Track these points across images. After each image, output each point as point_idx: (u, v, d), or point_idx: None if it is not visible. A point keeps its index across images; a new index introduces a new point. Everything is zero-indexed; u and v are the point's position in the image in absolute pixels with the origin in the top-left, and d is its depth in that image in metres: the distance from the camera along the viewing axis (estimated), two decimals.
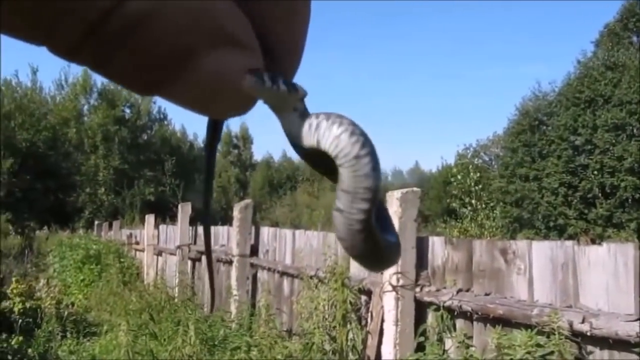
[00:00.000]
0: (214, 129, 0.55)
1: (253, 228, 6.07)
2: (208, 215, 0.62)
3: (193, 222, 8.33)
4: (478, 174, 13.54)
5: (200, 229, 8.02)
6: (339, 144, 0.41)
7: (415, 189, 3.51)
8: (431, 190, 30.45)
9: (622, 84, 20.43)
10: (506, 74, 62.46)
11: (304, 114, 0.46)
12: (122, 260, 10.80)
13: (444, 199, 25.85)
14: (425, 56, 67.53)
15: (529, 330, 2.64)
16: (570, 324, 2.49)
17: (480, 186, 13.09)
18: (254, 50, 0.38)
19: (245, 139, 43.26)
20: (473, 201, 13.06)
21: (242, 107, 0.43)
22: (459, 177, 13.95)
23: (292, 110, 0.45)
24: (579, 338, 2.51)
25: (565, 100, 21.81)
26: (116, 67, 0.33)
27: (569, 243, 2.76)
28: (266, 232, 5.92)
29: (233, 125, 45.00)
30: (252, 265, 5.91)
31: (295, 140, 0.48)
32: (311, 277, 4.39)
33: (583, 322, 2.45)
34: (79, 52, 0.32)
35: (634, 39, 26.90)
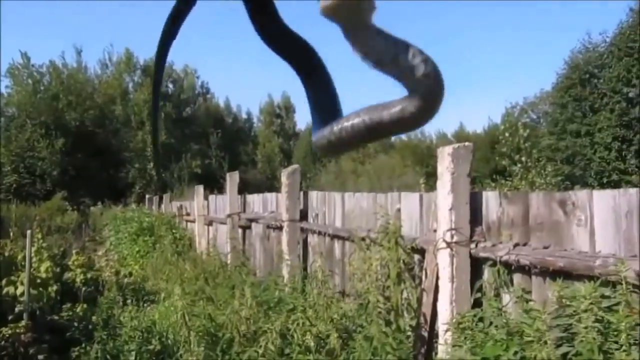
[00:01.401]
0: (174, 24, 0.53)
1: (301, 193, 6.09)
2: (157, 112, 0.62)
3: (241, 191, 8.43)
4: (527, 131, 13.15)
5: (250, 198, 8.12)
6: (420, 68, 0.45)
7: (467, 143, 3.43)
8: (478, 151, 29.87)
9: None
10: (552, 27, 60.03)
11: (382, 33, 0.45)
12: (174, 231, 11.09)
13: (492, 159, 25.34)
14: (465, 14, 65.50)
15: (592, 281, 2.57)
16: (637, 274, 2.40)
17: (529, 143, 12.74)
18: None
19: (288, 108, 43.30)
20: (523, 158, 12.73)
21: None
22: (507, 135, 13.58)
23: (367, 26, 0.45)
24: None
25: (618, 50, 20.84)
26: None
27: (633, 191, 2.64)
28: (315, 196, 5.93)
29: (275, 94, 45.01)
30: (302, 229, 5.95)
31: (368, 61, 0.46)
32: (363, 239, 4.38)
33: None
34: None
35: None
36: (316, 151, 0.53)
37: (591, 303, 2.46)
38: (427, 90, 0.45)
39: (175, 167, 30.88)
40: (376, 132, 0.50)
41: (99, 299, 6.03)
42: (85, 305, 5.68)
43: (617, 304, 2.43)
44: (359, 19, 0.44)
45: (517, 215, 3.22)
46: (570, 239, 2.89)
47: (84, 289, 6.28)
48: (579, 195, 2.88)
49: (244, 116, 43.57)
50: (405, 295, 3.95)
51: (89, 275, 6.72)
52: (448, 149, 3.36)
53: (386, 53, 0.45)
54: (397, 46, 0.45)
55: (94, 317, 5.38)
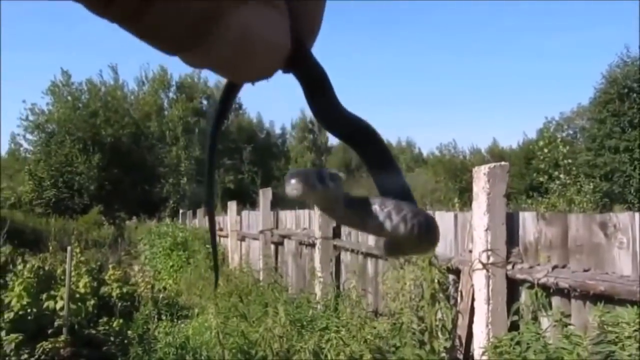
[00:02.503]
0: (225, 105, 0.54)
1: None
2: (211, 196, 0.62)
3: (274, 206, 8.47)
4: (567, 147, 12.90)
5: (282, 214, 8.16)
6: (397, 233, 0.45)
7: (503, 163, 3.39)
8: (512, 167, 29.41)
9: None
10: (588, 41, 59.09)
11: (350, 204, 0.46)
12: (207, 246, 11.19)
13: (527, 175, 24.94)
14: (503, 28, 65.02)
15: (635, 307, 2.50)
16: None
17: (569, 160, 12.46)
18: (280, 8, 0.38)
19: None
20: (562, 175, 12.48)
21: (271, 66, 0.42)
22: (546, 150, 13.33)
23: (338, 203, 0.46)
24: None
25: None
26: (147, 23, 0.33)
27: None
28: None
29: (307, 110, 45.29)
30: (335, 247, 5.94)
31: (357, 230, 0.50)
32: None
33: None
34: (110, 7, 0.32)
35: None
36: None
37: (635, 330, 2.39)
38: (402, 234, 0.45)
39: None
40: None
41: (135, 314, 6.11)
42: (121, 320, 5.77)
43: None
44: (330, 200, 0.45)
45: (555, 236, 3.16)
46: (612, 262, 2.82)
47: (120, 303, 6.38)
48: (621, 217, 2.81)
49: (277, 131, 43.94)
50: (439, 316, 3.90)
51: (124, 290, 6.83)
52: (484, 169, 3.33)
53: (367, 225, 0.46)
54: (363, 211, 0.46)
55: (129, 332, 5.45)
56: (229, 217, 11.04)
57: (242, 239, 10.29)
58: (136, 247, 16.26)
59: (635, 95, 21.02)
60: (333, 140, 45.66)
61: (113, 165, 28.66)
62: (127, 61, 63.49)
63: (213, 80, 36.75)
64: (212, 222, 0.61)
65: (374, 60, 67.31)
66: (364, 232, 0.50)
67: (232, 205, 10.99)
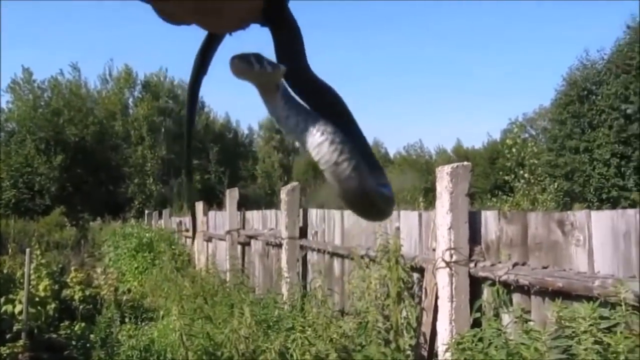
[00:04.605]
0: (204, 59, 0.55)
1: (301, 210, 6.09)
2: (189, 152, 0.63)
3: (240, 207, 8.43)
4: (534, 147, 13.16)
5: (249, 214, 8.12)
6: (320, 151, 0.46)
7: (465, 163, 3.44)
8: (477, 167, 29.92)
9: None
10: (550, 44, 60.43)
11: (288, 98, 0.49)
12: (173, 247, 11.08)
13: (491, 174, 25.39)
14: (465, 30, 66.02)
15: (591, 302, 2.57)
16: (636, 295, 2.40)
17: (534, 160, 12.72)
18: None
19: None
20: (526, 175, 12.73)
21: (248, 14, 0.43)
22: (514, 150, 13.57)
23: (275, 89, 0.48)
24: None
25: (615, 67, 20.98)
26: None
27: (631, 212, 2.65)
28: (314, 213, 5.94)
29: None
30: (301, 247, 5.95)
31: (281, 128, 0.50)
32: (362, 257, 4.38)
33: None
34: None
35: None
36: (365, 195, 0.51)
37: (590, 324, 2.46)
38: (326, 161, 0.46)
39: (175, 183, 30.88)
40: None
41: (97, 317, 6.00)
42: (83, 324, 5.66)
43: (616, 325, 2.43)
44: (267, 82, 0.47)
45: (516, 234, 3.23)
46: (569, 259, 2.90)
47: (82, 306, 6.26)
48: (578, 215, 2.89)
49: (244, 132, 43.70)
50: (404, 314, 3.94)
51: (87, 293, 6.70)
52: (447, 169, 3.38)
53: (297, 127, 0.48)
54: (306, 121, 0.47)
55: (92, 336, 5.35)
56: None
57: (209, 239, 10.20)
58: (100, 248, 15.96)
59: (594, 97, 21.62)
60: None
61: (76, 165, 28.08)
62: (92, 58, 62.26)
63: (178, 78, 36.38)
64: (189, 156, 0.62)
65: (340, 59, 67.47)
66: (289, 133, 0.50)
67: (199, 206, 10.88)
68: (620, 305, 2.39)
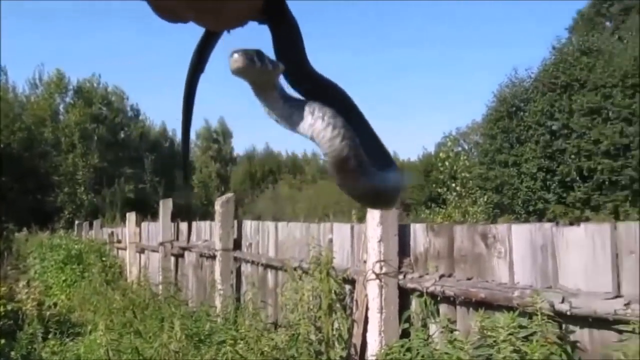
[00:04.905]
0: (201, 56, 0.54)
1: (235, 222, 6.05)
2: (187, 146, 0.63)
3: (174, 218, 8.28)
4: (466, 161, 13.59)
5: (183, 225, 7.98)
6: (324, 137, 0.45)
7: None
8: (412, 179, 30.58)
9: (597, 68, 20.71)
10: (484, 62, 62.83)
11: (285, 96, 0.48)
12: (104, 259, 10.72)
13: (426, 187, 26.01)
14: (400, 46, 67.66)
15: (511, 312, 2.68)
16: (551, 305, 2.53)
17: (465, 173, 13.15)
18: None
19: (225, 133, 43.03)
20: (458, 188, 13.12)
21: (246, 11, 0.43)
22: (447, 163, 13.97)
23: (273, 88, 0.47)
24: (560, 318, 2.55)
25: (542, 86, 22.03)
26: None
27: (548, 225, 2.79)
28: (249, 225, 5.91)
29: (212, 120, 44.66)
30: (235, 259, 5.90)
31: (281, 122, 0.49)
32: (295, 269, 4.40)
33: (563, 302, 2.49)
34: None
35: (607, 24, 27.27)
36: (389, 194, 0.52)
37: (509, 333, 2.57)
38: (331, 147, 0.45)
39: (107, 192, 29.93)
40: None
41: (19, 333, 5.72)
42: (3, 341, 5.38)
43: (533, 334, 2.55)
44: (266, 80, 0.46)
45: (442, 247, 3.33)
46: (492, 270, 3.01)
47: (2, 322, 5.95)
48: (499, 228, 3.01)
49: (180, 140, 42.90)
50: (336, 325, 3.98)
51: (9, 307, 6.38)
52: None
53: (293, 117, 0.47)
54: (301, 110, 0.46)
55: (12, 353, 5.09)
56: (128, 228, 10.64)
57: (142, 251, 9.95)
58: (25, 260, 15.21)
59: (522, 113, 22.58)
60: (238, 150, 45.37)
61: (1, 172, 26.72)
62: (19, 62, 59.67)
63: (112, 85, 35.40)
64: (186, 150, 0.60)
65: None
66: (291, 128, 0.48)
67: (131, 216, 10.60)
68: (537, 315, 2.50)
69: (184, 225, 7.97)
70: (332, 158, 0.46)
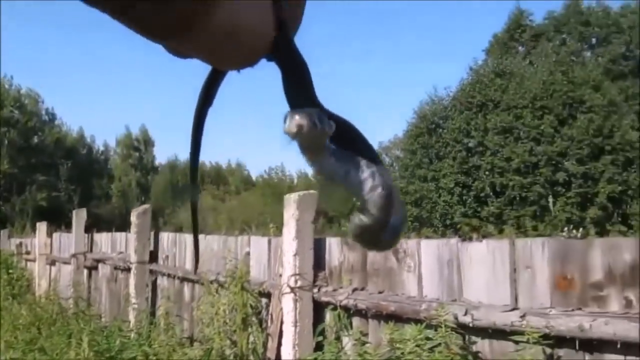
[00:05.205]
0: (209, 91, 0.54)
1: (152, 234, 5.91)
2: (195, 185, 0.62)
3: (89, 229, 7.96)
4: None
5: (98, 236, 7.70)
6: (377, 202, 0.48)
7: (312, 191, 3.59)
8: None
9: (509, 89, 21.88)
10: (406, 79, 64.77)
11: (335, 153, 0.49)
12: (10, 271, 10.13)
13: (350, 199, 26.37)
14: (326, 60, 68.63)
15: (419, 324, 2.78)
16: (455, 317, 2.65)
17: None
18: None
19: (147, 141, 41.86)
20: None
21: (255, 54, 0.43)
22: None
23: (324, 148, 0.48)
24: (463, 330, 2.68)
25: (459, 104, 23.01)
26: (137, 13, 0.34)
27: (454, 241, 2.93)
28: (166, 237, 5.79)
29: (133, 127, 43.42)
30: (151, 271, 5.76)
31: (333, 180, 0.51)
32: (211, 282, 4.35)
33: (466, 314, 2.62)
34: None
35: (520, 48, 28.88)
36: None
37: (416, 345, 2.67)
38: (377, 201, 0.47)
39: (17, 200, 28.33)
40: (364, 238, 0.53)
41: None
42: None
43: (438, 345, 2.66)
44: (321, 142, 0.47)
45: (356, 260, 3.41)
46: (402, 284, 3.12)
47: None
48: (409, 243, 3.13)
49: (100, 147, 41.36)
50: (252, 339, 3.97)
51: None
52: (294, 196, 3.49)
53: (338, 171, 0.48)
54: (347, 164, 0.48)
55: None
56: (38, 239, 10.11)
57: (52, 263, 9.48)
58: None
59: (441, 130, 23.47)
60: (161, 159, 44.25)
61: None
62: None
63: (26, 87, 33.69)
64: (195, 214, 0.61)
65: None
66: (342, 184, 0.49)
67: (42, 226, 10.08)
68: (441, 327, 2.62)
69: (98, 236, 7.69)
70: (376, 222, 0.49)
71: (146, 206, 6.05)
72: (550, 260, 2.50)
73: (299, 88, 0.49)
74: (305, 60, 0.49)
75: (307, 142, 0.46)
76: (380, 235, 0.51)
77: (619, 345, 2.18)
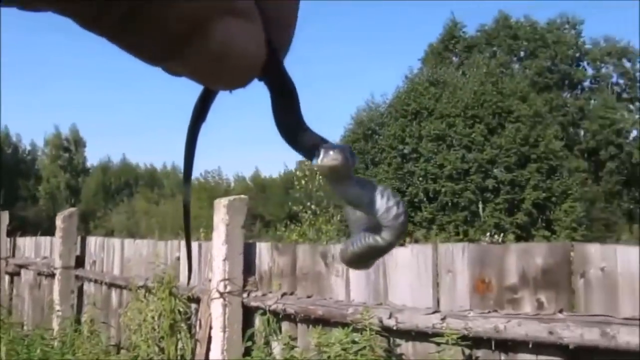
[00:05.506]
0: (203, 107, 0.55)
1: (79, 238, 5.72)
2: (188, 193, 0.62)
3: (12, 233, 7.61)
4: (322, 180, 13.94)
5: (21, 241, 7.37)
6: (399, 230, 0.52)
7: (242, 196, 3.58)
8: (274, 196, 30.92)
9: (443, 98, 22.57)
10: (344, 85, 65.50)
11: (359, 182, 0.53)
12: None
13: (285, 204, 26.40)
14: None
15: (346, 328, 2.83)
16: (380, 320, 2.71)
17: (321, 192, 13.51)
18: (256, 21, 0.40)
19: (77, 142, 40.38)
20: (313, 206, 13.42)
21: (247, 76, 0.44)
22: (303, 182, 14.26)
23: (349, 177, 0.52)
24: (387, 333, 2.74)
25: (395, 111, 23.52)
26: (131, 37, 0.34)
27: None
28: (93, 242, 5.62)
29: (63, 127, 41.81)
30: (77, 277, 5.57)
31: (360, 209, 0.55)
32: (139, 288, 4.26)
33: (390, 317, 2.69)
34: (100, 23, 0.34)
35: (454, 58, 29.84)
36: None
37: (342, 349, 2.71)
38: (398, 226, 0.52)
39: None
40: (368, 255, 0.57)
41: None
42: None
43: (364, 347, 2.71)
44: (347, 173, 0.51)
45: (286, 265, 3.43)
46: (330, 288, 3.16)
47: None
48: (338, 248, 3.17)
49: (26, 147, 39.58)
50: (180, 345, 3.91)
51: None
52: (224, 201, 3.47)
53: (364, 198, 0.52)
54: (372, 192, 0.52)
55: None
56: None
57: None
58: None
59: (377, 137, 23.92)
60: (92, 160, 42.81)
61: None
62: None
63: None
64: (187, 222, 0.62)
65: (145, 78, 65.23)
66: (366, 210, 0.53)
67: None
68: (366, 330, 2.67)
69: (22, 241, 7.36)
70: (388, 246, 0.54)
71: (73, 209, 5.85)
72: (469, 265, 2.61)
73: (288, 110, 0.51)
74: (293, 83, 0.51)
75: (338, 175, 0.51)
76: (377, 258, 0.59)
77: (530, 345, 2.30)
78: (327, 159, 0.48)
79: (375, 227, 0.54)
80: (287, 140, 0.53)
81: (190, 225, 0.66)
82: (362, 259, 0.59)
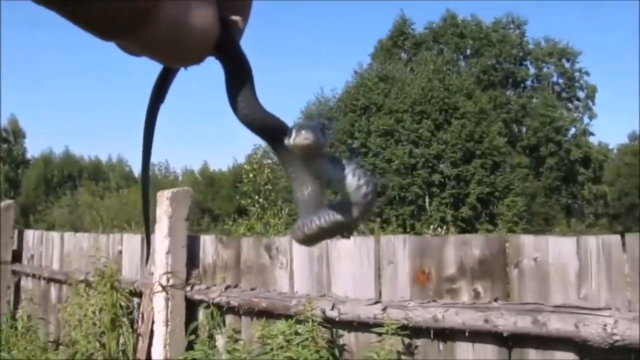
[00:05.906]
0: (161, 86, 0.53)
1: (16, 232, 5.52)
2: (146, 176, 0.61)
3: None
4: (269, 173, 13.88)
5: None
6: (360, 190, 0.53)
7: (186, 188, 3.54)
8: (222, 190, 30.62)
9: (392, 94, 22.88)
10: (295, 79, 65.40)
11: (331, 160, 0.53)
12: None
13: (234, 198, 26.19)
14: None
15: (289, 320, 2.84)
16: (323, 312, 2.74)
17: (269, 186, 13.46)
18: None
19: (17, 132, 38.85)
20: (261, 200, 13.37)
21: (200, 52, 0.45)
22: (251, 175, 14.16)
23: (322, 155, 0.52)
24: (330, 324, 2.77)
25: (344, 106, 23.69)
26: (84, 13, 0.35)
27: None
28: (31, 235, 5.43)
29: (2, 117, 40.10)
30: (14, 272, 5.38)
31: (332, 187, 0.56)
32: (80, 282, 4.15)
33: (333, 308, 2.72)
34: (55, 2, 0.34)
35: (403, 55, 30.27)
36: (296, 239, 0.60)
37: (285, 340, 2.72)
38: (367, 204, 0.53)
39: None
40: (332, 231, 0.57)
41: None
42: None
43: (306, 339, 2.73)
44: (320, 152, 0.51)
45: (230, 258, 3.41)
46: (274, 281, 3.17)
47: None
48: (282, 240, 3.18)
49: None
50: (122, 340, 3.83)
51: None
52: (167, 193, 3.42)
53: (335, 176, 0.53)
54: (344, 170, 0.52)
55: None
56: None
57: None
58: None
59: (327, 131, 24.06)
60: (33, 152, 41.32)
61: None
62: None
63: None
64: (146, 211, 0.65)
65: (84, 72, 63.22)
66: (338, 188, 0.53)
67: None
68: (309, 322, 2.70)
69: None
70: (353, 222, 0.55)
71: (10, 201, 5.63)
72: (410, 256, 2.66)
73: (241, 89, 0.52)
74: (248, 62, 0.52)
75: (311, 154, 0.51)
76: (338, 235, 0.60)
77: (467, 334, 2.37)
78: (299, 138, 0.48)
79: (339, 205, 0.55)
80: (241, 120, 0.53)
81: (150, 216, 0.67)
82: (324, 235, 0.59)
